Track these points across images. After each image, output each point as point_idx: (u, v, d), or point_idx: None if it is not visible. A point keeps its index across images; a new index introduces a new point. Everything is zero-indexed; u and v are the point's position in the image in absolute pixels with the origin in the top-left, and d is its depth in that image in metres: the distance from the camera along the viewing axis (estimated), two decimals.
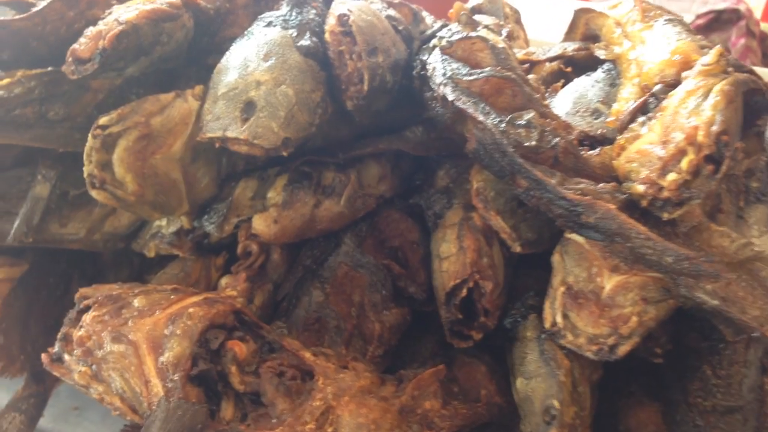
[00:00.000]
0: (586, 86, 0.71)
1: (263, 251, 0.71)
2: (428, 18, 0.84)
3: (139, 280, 0.79)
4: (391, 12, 0.76)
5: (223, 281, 0.69)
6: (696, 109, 0.53)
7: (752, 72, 0.73)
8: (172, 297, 0.59)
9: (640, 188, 0.55)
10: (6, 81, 0.71)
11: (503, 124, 0.60)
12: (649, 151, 0.55)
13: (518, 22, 0.96)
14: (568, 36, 0.88)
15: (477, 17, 0.74)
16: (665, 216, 0.54)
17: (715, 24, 1.77)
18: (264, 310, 0.69)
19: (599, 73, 0.73)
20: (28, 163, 0.73)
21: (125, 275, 0.80)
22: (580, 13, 0.82)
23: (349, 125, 0.73)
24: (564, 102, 0.71)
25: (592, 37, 0.83)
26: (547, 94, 0.74)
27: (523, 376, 0.60)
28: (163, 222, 0.71)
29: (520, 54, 0.82)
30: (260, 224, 0.68)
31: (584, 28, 0.84)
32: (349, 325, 0.68)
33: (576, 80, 0.74)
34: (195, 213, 0.68)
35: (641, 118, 0.58)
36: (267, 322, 0.65)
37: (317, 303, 0.69)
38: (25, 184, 0.72)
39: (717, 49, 0.56)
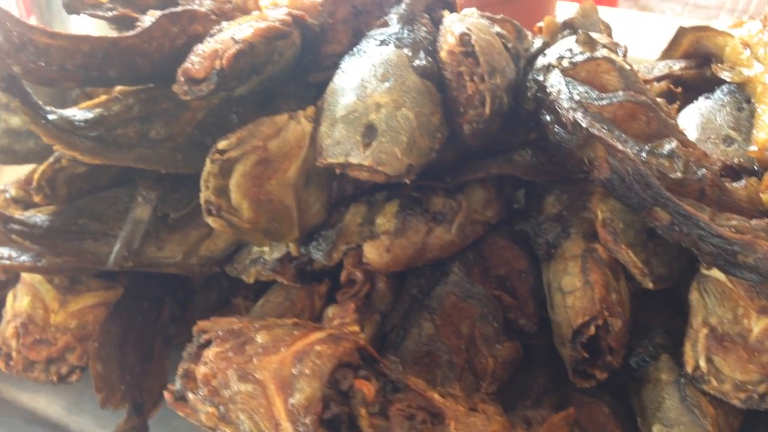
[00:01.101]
0: (712, 110, 0.68)
1: (368, 279, 0.68)
2: (529, 34, 0.80)
3: (227, 304, 0.76)
4: (498, 29, 0.73)
5: (330, 311, 0.66)
6: None
7: None
8: (295, 333, 0.56)
9: None
10: (104, 98, 0.68)
11: (644, 154, 0.57)
12: None
13: (610, 36, 0.92)
14: (668, 53, 0.85)
15: (593, 35, 0.71)
16: None
17: None
18: (372, 342, 0.66)
19: (722, 96, 0.70)
20: (124, 182, 0.71)
21: (214, 298, 0.77)
22: (686, 31, 0.79)
23: (453, 148, 0.70)
24: (689, 127, 0.67)
25: (699, 56, 0.79)
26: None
27: (662, 422, 0.57)
28: (265, 248, 0.68)
29: None
30: (372, 253, 0.65)
31: (689, 46, 0.81)
32: (460, 360, 0.64)
33: (697, 103, 0.70)
34: (303, 239, 0.65)
35: None
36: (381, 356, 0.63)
37: (428, 335, 0.65)
38: (122, 204, 0.69)
39: None
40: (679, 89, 0.76)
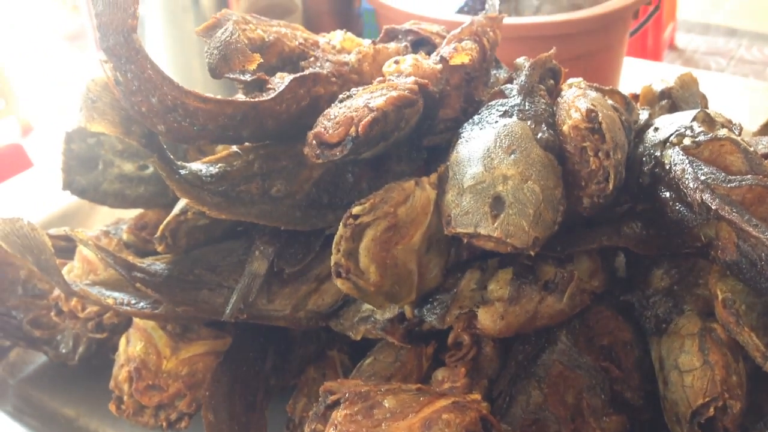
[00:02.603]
0: None
1: (475, 343, 0.68)
2: (637, 108, 0.82)
3: (322, 356, 0.77)
4: (611, 101, 0.74)
5: (440, 374, 0.67)
6: None
7: None
8: (421, 399, 0.56)
9: None
10: (224, 153, 0.70)
11: None
12: None
13: (707, 107, 0.93)
14: (765, 129, 0.86)
15: (709, 112, 0.72)
16: None
17: None
18: None
19: None
20: (238, 235, 0.73)
21: (312, 350, 0.78)
22: None
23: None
24: None
25: None
26: None
27: None
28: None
29: None
30: (486, 319, 0.66)
31: None
32: (568, 430, 0.65)
33: None
34: (418, 302, 0.66)
35: None
36: None
37: (535, 404, 0.66)
38: (236, 256, 0.71)
39: None
40: None
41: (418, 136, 0.72)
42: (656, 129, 0.72)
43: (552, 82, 0.78)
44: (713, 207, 0.59)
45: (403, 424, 0.54)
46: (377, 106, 0.62)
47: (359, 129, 0.60)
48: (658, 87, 0.93)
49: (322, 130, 0.62)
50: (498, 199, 0.61)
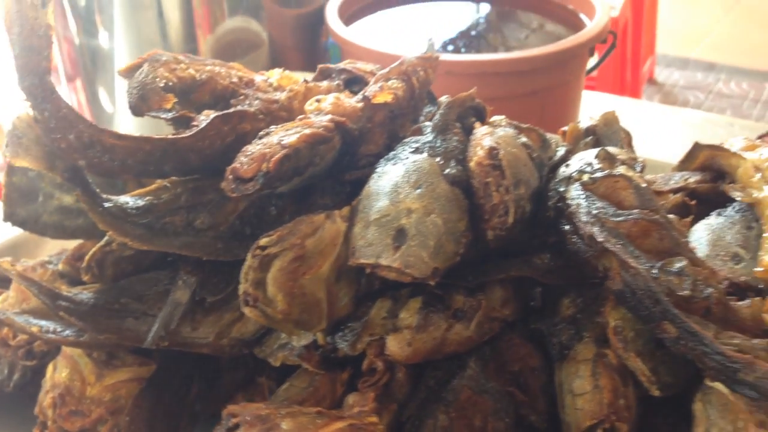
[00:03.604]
0: (723, 227, 0.72)
1: (388, 369, 0.71)
2: (552, 139, 0.86)
3: (251, 383, 0.80)
4: (524, 139, 0.78)
5: (351, 399, 0.69)
6: None
7: None
8: (318, 421, 0.59)
9: None
10: (154, 186, 0.74)
11: (655, 270, 0.61)
12: None
13: (630, 144, 0.97)
14: (684, 165, 0.89)
15: (610, 149, 0.76)
16: None
17: None
18: (389, 431, 0.69)
19: (732, 213, 0.74)
20: (164, 265, 0.76)
21: (240, 376, 0.81)
22: (702, 148, 0.84)
23: (475, 247, 0.74)
24: (701, 243, 0.72)
25: (714, 171, 0.84)
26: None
27: None
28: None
29: None
30: (394, 346, 0.69)
31: (704, 160, 0.85)
32: None
33: (710, 219, 0.75)
34: (330, 329, 0.69)
35: None
36: None
37: (442, 427, 0.68)
38: (162, 286, 0.74)
39: None
40: (694, 202, 0.80)
41: (340, 171, 0.76)
42: (567, 165, 0.76)
43: (474, 119, 0.82)
44: (599, 240, 0.63)
45: None
46: (289, 143, 0.65)
47: (270, 165, 0.64)
48: (584, 124, 0.97)
49: (238, 165, 0.66)
50: (401, 231, 0.64)
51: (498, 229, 0.68)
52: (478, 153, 0.69)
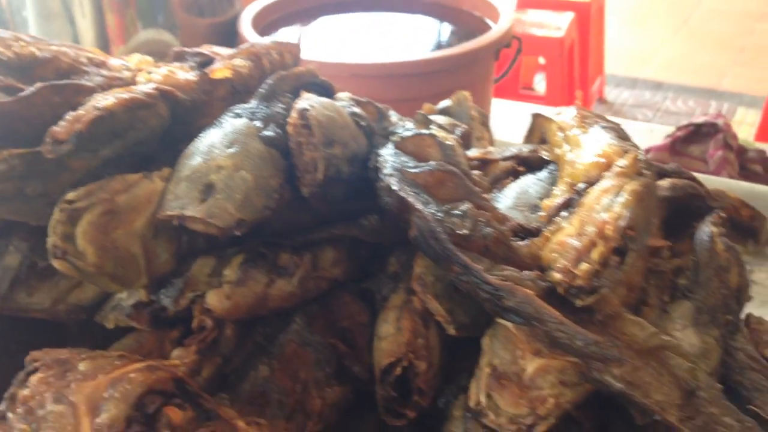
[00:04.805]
0: (530, 183, 0.76)
1: (217, 327, 0.74)
2: (394, 116, 0.90)
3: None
4: (356, 109, 0.82)
5: (175, 353, 0.72)
6: (608, 206, 0.58)
7: (693, 179, 0.78)
8: (116, 363, 0.62)
9: (557, 276, 0.59)
10: None
11: (440, 214, 0.64)
12: (567, 243, 0.59)
13: (484, 124, 1.02)
14: (527, 138, 0.94)
15: (433, 117, 0.80)
16: (579, 303, 0.58)
17: (694, 136, 1.84)
18: (211, 383, 0.71)
19: (544, 173, 0.78)
20: (3, 235, 0.78)
21: (88, 346, 0.82)
22: (534, 118, 0.88)
23: (309, 213, 0.78)
24: (507, 197, 0.76)
25: (545, 140, 0.88)
26: (496, 190, 0.80)
27: None
28: (124, 295, 0.74)
29: (477, 153, 0.88)
30: (213, 300, 0.71)
31: (539, 131, 0.90)
32: (291, 401, 0.70)
33: (522, 178, 0.79)
34: (154, 287, 0.72)
35: (564, 213, 0.63)
36: (213, 394, 0.68)
37: (263, 378, 0.71)
38: None
39: (633, 154, 0.61)
40: (522, 168, 0.84)
41: (176, 141, 0.79)
42: (390, 132, 0.79)
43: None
44: (393, 188, 0.67)
45: (92, 383, 0.59)
46: (104, 105, 0.69)
47: (82, 126, 0.67)
48: (441, 105, 1.02)
49: (57, 128, 0.69)
50: (209, 185, 0.68)
51: (310, 186, 0.71)
52: (292, 115, 0.73)
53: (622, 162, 0.61)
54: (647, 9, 5.45)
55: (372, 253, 0.82)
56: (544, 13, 3.54)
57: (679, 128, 1.87)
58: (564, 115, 0.77)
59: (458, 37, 1.86)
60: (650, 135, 2.10)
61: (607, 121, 0.74)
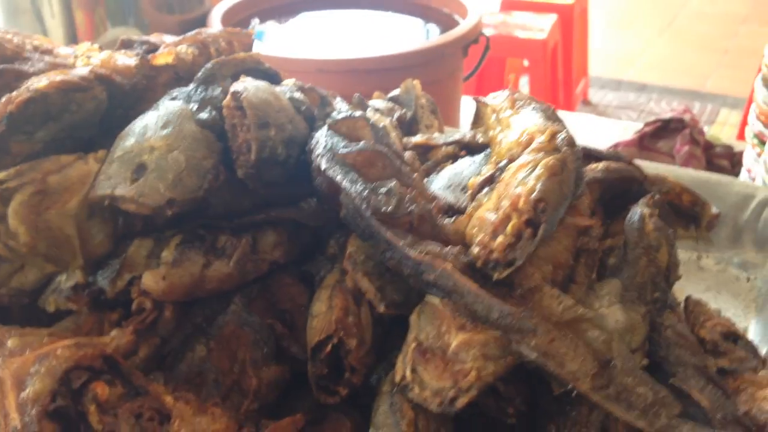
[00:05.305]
0: (464, 165, 0.77)
1: (156, 309, 0.75)
2: (339, 103, 0.91)
3: None
4: (297, 95, 0.83)
5: (112, 333, 0.72)
6: (523, 180, 0.59)
7: (631, 163, 0.80)
8: (45, 340, 0.63)
9: (476, 250, 0.59)
10: None
11: (366, 192, 0.65)
12: (485, 218, 0.60)
13: (434, 112, 1.03)
14: (473, 125, 0.95)
15: (371, 102, 0.81)
16: (496, 276, 0.59)
17: (662, 132, 1.86)
18: (148, 363, 0.72)
19: (481, 155, 0.79)
20: None
21: None
22: (476, 104, 0.89)
23: (250, 196, 0.79)
24: (442, 178, 0.77)
25: None
26: (434, 173, 0.80)
27: (374, 427, 0.63)
28: (63, 277, 0.75)
29: (421, 138, 0.89)
30: (149, 280, 0.72)
31: (481, 116, 0.91)
32: (228, 380, 0.71)
33: (460, 161, 0.80)
34: (90, 268, 0.73)
35: (486, 189, 0.64)
36: (148, 373, 0.69)
37: (200, 358, 0.72)
38: None
39: (550, 129, 0.62)
40: (464, 152, 0.85)
41: (115, 126, 0.80)
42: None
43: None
44: (323, 168, 0.67)
45: (19, 359, 0.60)
46: (37, 87, 0.70)
47: (13, 107, 0.68)
48: (391, 93, 1.03)
49: None
50: (141, 165, 0.68)
51: (244, 167, 0.72)
52: (227, 98, 0.74)
53: (540, 138, 0.62)
54: (632, 11, 5.48)
55: (313, 236, 0.83)
56: (528, 15, 3.56)
57: (647, 124, 1.89)
58: (498, 98, 0.78)
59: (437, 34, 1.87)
60: (624, 132, 2.13)
61: (538, 102, 0.75)
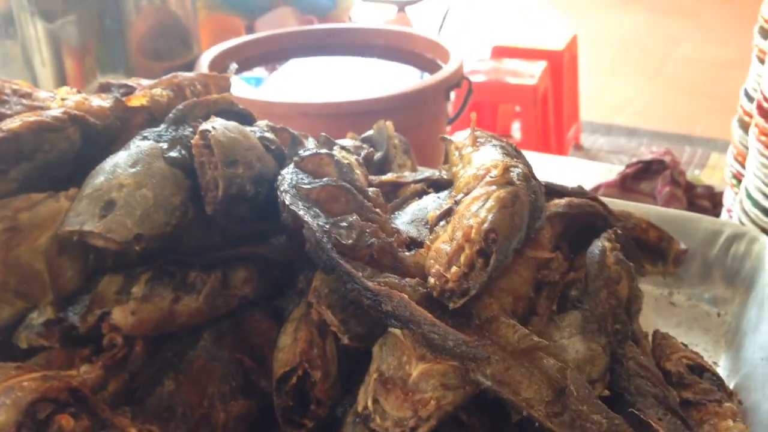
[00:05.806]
0: (429, 201, 0.79)
1: (127, 344, 0.76)
2: (311, 143, 0.93)
3: None
4: (268, 134, 0.85)
5: (82, 369, 0.73)
6: (475, 212, 0.61)
7: (595, 198, 0.81)
8: (11, 372, 0.63)
9: (432, 281, 0.61)
10: None
11: (327, 225, 0.67)
12: (441, 249, 0.62)
13: (406, 152, 1.05)
14: (443, 163, 0.97)
15: (340, 141, 0.83)
16: (452, 305, 0.60)
17: (643, 174, 1.89)
18: (117, 398, 0.73)
19: (445, 192, 0.81)
20: None
21: None
22: (444, 143, 0.91)
23: (221, 233, 0.80)
24: (407, 214, 0.78)
25: None
26: (400, 210, 0.82)
27: None
28: (35, 314, 0.76)
29: (390, 176, 0.91)
30: (119, 315, 0.73)
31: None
32: (196, 414, 0.72)
33: (424, 197, 0.82)
34: (61, 304, 0.74)
35: (443, 222, 0.65)
36: (117, 407, 0.70)
37: (169, 392, 0.73)
38: None
39: (503, 164, 0.64)
40: (431, 190, 0.87)
41: (89, 165, 0.81)
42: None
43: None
44: (287, 203, 0.69)
45: None
46: (10, 128, 0.72)
47: None
48: (365, 134, 1.05)
49: None
50: (110, 202, 0.70)
51: (212, 204, 0.74)
52: (196, 137, 0.76)
53: (494, 172, 0.64)
54: (622, 58, 5.58)
55: (284, 272, 0.84)
56: (518, 62, 3.63)
57: (628, 165, 1.91)
58: (461, 135, 0.80)
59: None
60: (608, 174, 2.15)
61: (499, 139, 0.77)
